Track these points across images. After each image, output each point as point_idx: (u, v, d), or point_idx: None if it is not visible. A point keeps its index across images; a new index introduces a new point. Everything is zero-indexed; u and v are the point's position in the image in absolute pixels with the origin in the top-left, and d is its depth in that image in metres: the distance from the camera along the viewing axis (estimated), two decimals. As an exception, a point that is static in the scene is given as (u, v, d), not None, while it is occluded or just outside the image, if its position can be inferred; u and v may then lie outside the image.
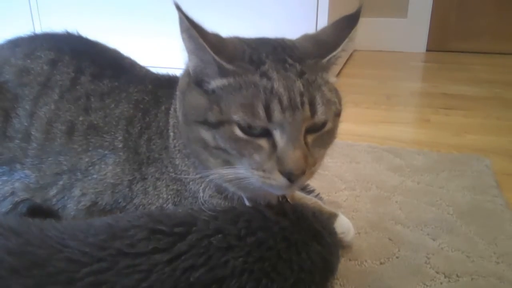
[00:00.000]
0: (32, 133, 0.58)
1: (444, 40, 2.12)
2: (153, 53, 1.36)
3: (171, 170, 0.55)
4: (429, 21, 2.10)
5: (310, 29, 1.41)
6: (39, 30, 1.45)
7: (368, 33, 2.12)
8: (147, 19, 1.47)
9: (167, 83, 0.61)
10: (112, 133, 0.57)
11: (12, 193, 0.58)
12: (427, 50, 2.14)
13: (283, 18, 1.34)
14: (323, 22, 1.29)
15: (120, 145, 0.56)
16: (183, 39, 0.46)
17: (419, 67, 1.94)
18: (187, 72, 0.51)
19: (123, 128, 0.57)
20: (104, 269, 0.41)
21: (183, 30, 0.46)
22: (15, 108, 0.59)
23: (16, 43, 0.65)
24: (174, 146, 0.55)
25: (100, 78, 0.60)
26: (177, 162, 0.55)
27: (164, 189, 0.55)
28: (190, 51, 0.47)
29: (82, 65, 0.61)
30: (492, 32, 2.03)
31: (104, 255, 0.42)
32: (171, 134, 0.55)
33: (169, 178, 0.55)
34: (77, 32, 0.68)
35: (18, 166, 0.58)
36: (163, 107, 0.58)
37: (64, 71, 0.60)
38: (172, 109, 0.56)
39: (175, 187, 0.54)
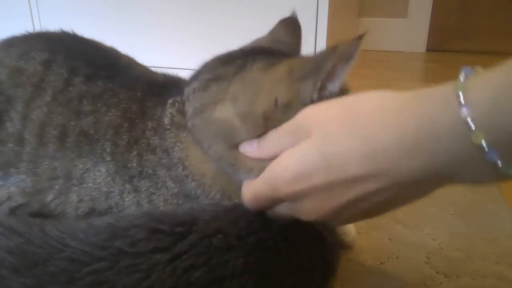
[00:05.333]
0: (25, 137, 0.56)
1: (444, 40, 2.12)
2: (154, 53, 1.36)
3: (173, 185, 0.52)
4: (429, 21, 2.10)
5: (310, 29, 1.41)
6: (39, 29, 1.45)
7: (368, 33, 2.12)
8: (150, 18, 1.47)
9: (158, 90, 0.57)
10: (101, 143, 0.54)
11: (9, 198, 0.56)
12: (427, 50, 2.15)
13: (281, 18, 1.34)
14: (323, 21, 1.29)
15: (109, 158, 0.54)
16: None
17: (419, 67, 1.94)
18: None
19: (110, 138, 0.54)
20: (104, 269, 0.41)
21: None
22: (8, 110, 0.57)
23: (10, 43, 0.63)
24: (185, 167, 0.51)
25: (94, 79, 0.57)
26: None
27: (162, 203, 0.52)
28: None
29: (76, 66, 0.58)
30: (492, 32, 2.03)
31: (104, 255, 0.42)
32: (181, 155, 0.51)
33: (170, 194, 0.52)
34: (72, 31, 0.66)
35: (13, 170, 0.56)
36: (149, 125, 0.53)
37: (58, 72, 0.58)
38: (174, 131, 0.52)
39: (175, 201, 0.53)
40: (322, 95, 0.45)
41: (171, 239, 0.44)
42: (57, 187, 0.55)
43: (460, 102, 0.31)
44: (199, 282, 0.41)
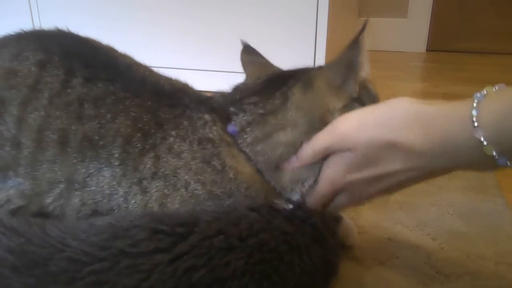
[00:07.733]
0: (22, 141, 0.54)
1: (444, 40, 2.12)
2: (155, 53, 1.36)
3: (199, 187, 0.53)
4: (429, 21, 2.11)
5: (310, 29, 1.41)
6: (38, 27, 1.44)
7: (368, 33, 2.13)
8: (150, 16, 1.47)
9: (169, 101, 0.56)
10: (109, 149, 0.53)
11: (8, 201, 0.55)
12: (427, 50, 2.15)
13: (281, 17, 1.34)
14: (323, 21, 1.29)
15: (117, 163, 0.53)
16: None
17: (419, 67, 1.94)
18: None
19: (120, 146, 0.53)
20: (105, 269, 0.41)
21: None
22: (1, 113, 0.55)
23: (3, 44, 0.61)
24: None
25: (94, 80, 0.56)
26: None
27: (178, 204, 0.52)
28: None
29: (72, 66, 0.56)
30: (492, 32, 2.03)
31: (105, 255, 0.42)
32: (235, 166, 0.54)
33: (189, 196, 0.53)
34: (67, 29, 0.64)
35: (11, 173, 0.55)
36: (173, 133, 0.54)
37: (54, 73, 0.56)
38: (225, 147, 0.54)
39: (193, 201, 0.53)
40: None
41: (172, 240, 0.44)
42: (57, 190, 0.54)
43: (474, 125, 0.42)
44: (200, 283, 0.41)
